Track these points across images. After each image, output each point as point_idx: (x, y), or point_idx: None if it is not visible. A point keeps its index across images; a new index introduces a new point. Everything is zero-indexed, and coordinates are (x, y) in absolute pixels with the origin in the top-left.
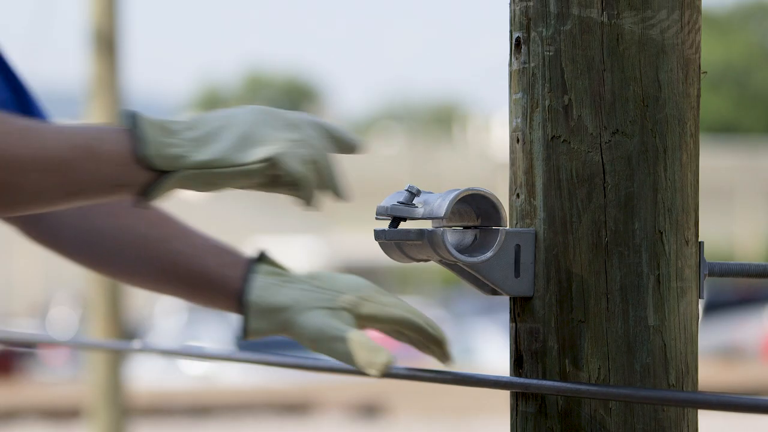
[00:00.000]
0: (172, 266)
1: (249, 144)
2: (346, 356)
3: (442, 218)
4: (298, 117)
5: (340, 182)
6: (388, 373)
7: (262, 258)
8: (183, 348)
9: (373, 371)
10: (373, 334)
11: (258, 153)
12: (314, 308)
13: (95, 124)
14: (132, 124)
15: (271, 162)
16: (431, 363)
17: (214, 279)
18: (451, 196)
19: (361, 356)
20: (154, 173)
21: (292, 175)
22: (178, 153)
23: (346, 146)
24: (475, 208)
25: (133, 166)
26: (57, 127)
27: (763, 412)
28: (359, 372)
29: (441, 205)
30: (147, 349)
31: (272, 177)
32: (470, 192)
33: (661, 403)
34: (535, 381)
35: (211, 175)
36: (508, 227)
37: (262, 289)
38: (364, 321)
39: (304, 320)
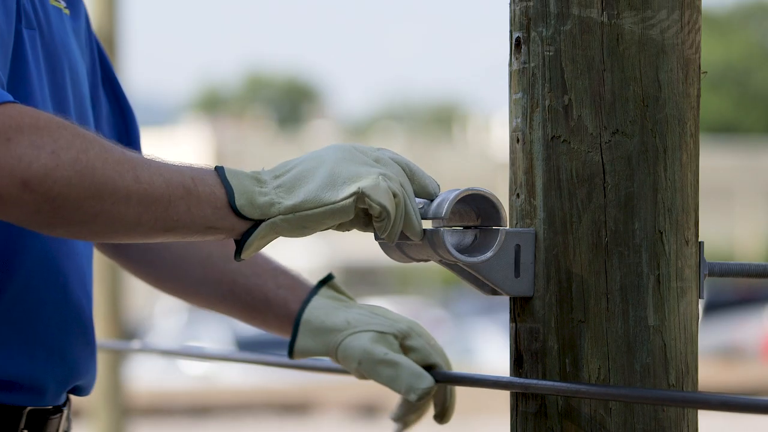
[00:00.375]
0: (230, 285)
1: (337, 182)
2: (390, 380)
3: (442, 218)
4: (380, 152)
5: (419, 219)
6: (441, 380)
7: (327, 281)
8: (183, 348)
9: (413, 396)
10: None
11: (346, 190)
12: (364, 331)
13: (192, 164)
14: (220, 177)
15: (359, 196)
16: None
17: (271, 299)
18: (452, 196)
19: (405, 381)
20: (247, 221)
21: (379, 208)
22: (268, 201)
23: (424, 186)
24: (475, 208)
25: (227, 212)
26: (157, 161)
27: (763, 412)
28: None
29: (441, 205)
30: (147, 350)
31: (361, 212)
32: (470, 192)
33: (661, 403)
34: (534, 381)
35: (304, 218)
36: (508, 227)
37: (318, 309)
38: (406, 351)
39: (351, 341)
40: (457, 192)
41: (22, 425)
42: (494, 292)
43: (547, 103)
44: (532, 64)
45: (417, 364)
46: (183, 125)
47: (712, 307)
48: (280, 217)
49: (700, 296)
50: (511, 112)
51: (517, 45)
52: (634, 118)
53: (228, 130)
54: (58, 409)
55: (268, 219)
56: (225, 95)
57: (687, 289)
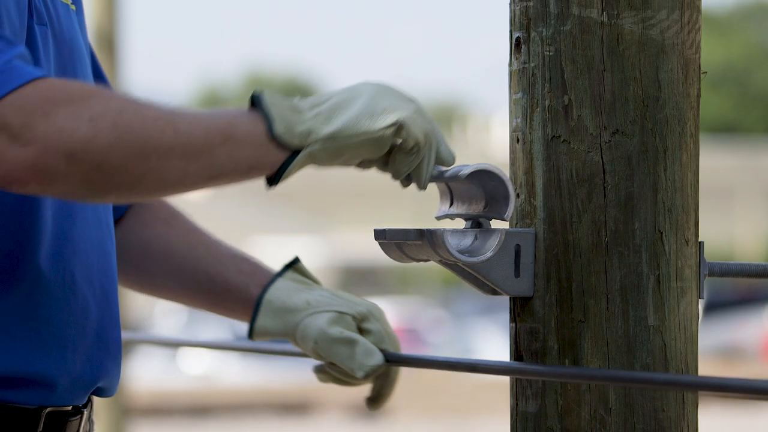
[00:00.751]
0: (192, 273)
1: (375, 112)
2: (344, 358)
3: (458, 178)
4: (411, 96)
5: (450, 152)
6: (391, 360)
7: (293, 265)
8: (182, 339)
9: (361, 373)
10: None
11: (385, 120)
12: (323, 311)
13: (227, 109)
14: (260, 105)
15: (397, 127)
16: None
17: (232, 285)
18: (474, 166)
19: (357, 358)
20: (286, 152)
21: (414, 141)
22: (306, 128)
23: (443, 150)
24: (483, 190)
25: (267, 146)
26: (191, 112)
27: (761, 394)
28: (349, 379)
29: (461, 168)
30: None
31: (394, 147)
32: (489, 169)
33: (661, 385)
34: (484, 361)
35: (342, 146)
36: (507, 227)
37: (280, 290)
38: (362, 333)
39: (310, 321)
40: (481, 164)
41: (40, 427)
42: (494, 292)
43: (547, 103)
44: (532, 64)
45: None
46: None
47: (712, 307)
48: (318, 144)
49: (700, 296)
50: (511, 112)
51: (517, 45)
52: (634, 118)
53: None
54: (78, 411)
55: (306, 147)
56: (225, 95)
57: (687, 289)
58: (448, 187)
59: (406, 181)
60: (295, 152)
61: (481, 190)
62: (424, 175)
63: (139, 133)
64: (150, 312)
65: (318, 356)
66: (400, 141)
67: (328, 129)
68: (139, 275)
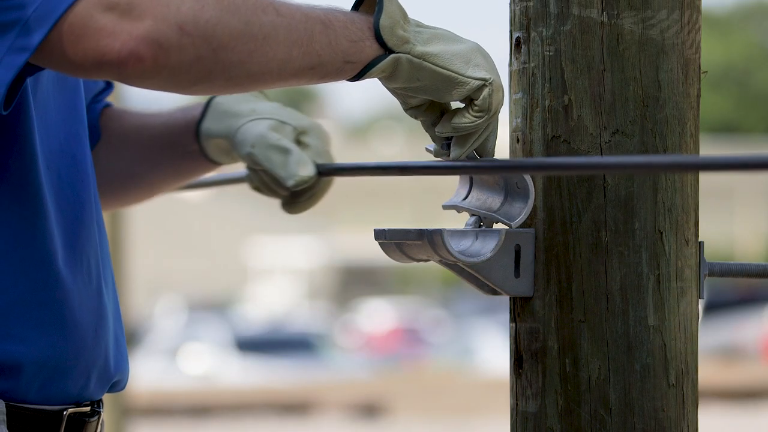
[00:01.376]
0: (149, 141)
1: (470, 62)
2: (277, 165)
3: (488, 155)
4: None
5: (494, 147)
6: (323, 172)
7: None
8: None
9: (291, 182)
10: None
11: (478, 72)
12: (266, 118)
13: (323, 4)
14: None
15: (484, 84)
16: (431, 366)
17: (183, 126)
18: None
19: (290, 167)
20: (379, 51)
21: (488, 107)
22: (405, 36)
23: (489, 144)
24: (505, 191)
25: (364, 43)
26: (292, 3)
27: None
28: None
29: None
30: None
31: (466, 102)
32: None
33: (663, 169)
34: (449, 164)
35: (427, 69)
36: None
37: (229, 97)
38: (301, 146)
39: (250, 126)
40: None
41: (62, 430)
42: (494, 292)
43: (547, 103)
44: (532, 64)
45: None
46: None
47: (712, 307)
48: (408, 56)
49: (700, 296)
50: (511, 112)
51: (517, 45)
52: (634, 118)
53: None
54: (95, 411)
55: (397, 52)
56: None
57: (687, 289)
58: (470, 176)
59: (444, 147)
60: (386, 54)
61: (502, 189)
62: (469, 146)
63: (243, 10)
64: (150, 312)
65: (252, 161)
66: (473, 100)
67: (424, 47)
68: (116, 180)
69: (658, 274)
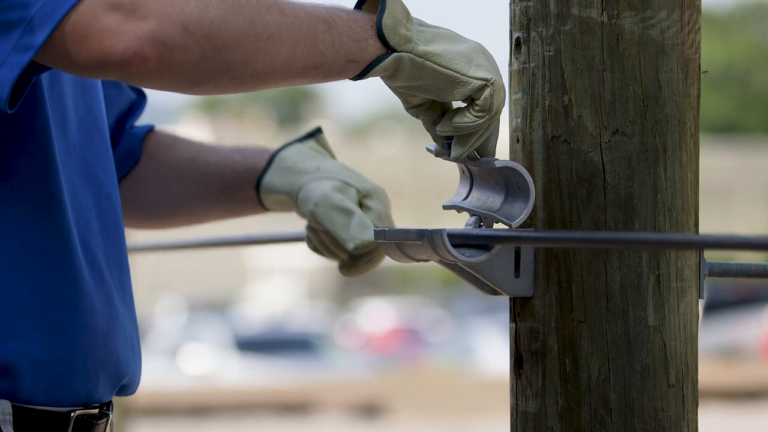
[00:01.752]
0: (201, 177)
1: (472, 62)
2: (340, 226)
3: (491, 161)
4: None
5: (495, 146)
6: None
7: (315, 134)
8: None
9: (352, 245)
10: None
11: (480, 72)
12: (330, 179)
13: (326, 3)
14: None
15: (485, 84)
16: (431, 366)
17: (240, 170)
18: (511, 162)
19: (352, 229)
20: (382, 48)
21: (489, 107)
22: (408, 35)
23: (490, 144)
24: (506, 191)
25: (367, 42)
26: (296, 2)
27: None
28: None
29: (499, 161)
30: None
31: (449, 107)
32: (518, 168)
33: (662, 246)
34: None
35: (429, 69)
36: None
37: (295, 152)
38: (363, 209)
39: (315, 185)
40: (515, 164)
41: (69, 431)
42: (494, 292)
43: (547, 103)
44: (532, 64)
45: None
46: (183, 125)
47: (712, 307)
48: (411, 55)
49: (700, 296)
50: (511, 112)
51: (517, 45)
52: (634, 118)
53: (228, 130)
54: (103, 414)
55: (399, 51)
56: (225, 95)
57: (687, 289)
58: (471, 175)
59: (444, 147)
60: (388, 54)
61: (502, 189)
62: (470, 146)
63: (247, 10)
64: (150, 312)
65: (314, 221)
66: (474, 100)
67: (426, 47)
68: (157, 206)
69: (658, 274)
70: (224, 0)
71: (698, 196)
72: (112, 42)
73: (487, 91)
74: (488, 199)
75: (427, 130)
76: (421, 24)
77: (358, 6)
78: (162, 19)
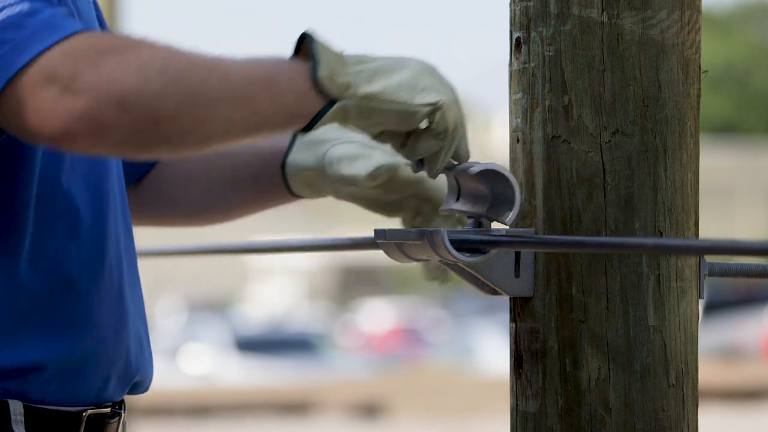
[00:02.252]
0: (231, 168)
1: (417, 87)
2: (358, 166)
3: (468, 173)
4: (451, 82)
5: (467, 149)
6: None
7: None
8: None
9: (363, 175)
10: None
11: (426, 97)
12: (355, 142)
13: (270, 57)
14: (310, 45)
15: (435, 108)
16: (431, 366)
17: (267, 156)
18: (485, 164)
19: (374, 159)
20: (324, 100)
21: (445, 127)
22: (347, 81)
23: (461, 150)
24: (491, 191)
25: (309, 96)
26: (233, 60)
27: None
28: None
29: (473, 163)
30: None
31: (416, 129)
32: (500, 170)
33: (662, 251)
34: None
35: (375, 110)
36: (508, 227)
37: (319, 129)
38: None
39: (340, 146)
40: (492, 164)
41: (81, 431)
42: (494, 292)
43: (547, 103)
44: (532, 64)
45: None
46: None
47: (712, 307)
48: (354, 101)
49: (700, 296)
50: (511, 112)
51: (517, 45)
52: (634, 118)
53: None
54: (116, 413)
55: (342, 100)
56: None
57: (687, 289)
58: (457, 182)
59: (417, 166)
60: (331, 103)
61: (488, 190)
62: (440, 163)
63: (187, 81)
64: (150, 312)
65: (340, 175)
66: (430, 123)
67: (367, 88)
68: (189, 203)
69: (658, 274)
70: (164, 70)
71: (698, 196)
72: (47, 119)
73: (438, 114)
74: (476, 203)
75: (397, 152)
76: (359, 61)
77: (295, 52)
78: (98, 95)
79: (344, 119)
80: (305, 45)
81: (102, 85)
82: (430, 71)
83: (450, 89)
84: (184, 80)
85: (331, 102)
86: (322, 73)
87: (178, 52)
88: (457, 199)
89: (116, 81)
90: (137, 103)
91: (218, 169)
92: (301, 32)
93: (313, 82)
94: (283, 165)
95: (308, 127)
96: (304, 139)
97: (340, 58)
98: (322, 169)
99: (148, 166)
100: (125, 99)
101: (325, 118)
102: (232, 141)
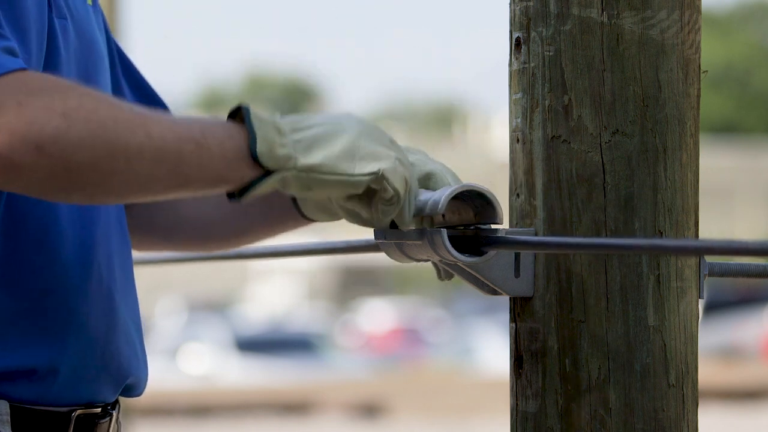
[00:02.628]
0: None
1: (356, 156)
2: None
3: (438, 213)
4: (392, 138)
5: (411, 211)
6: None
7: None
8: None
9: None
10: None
11: (366, 167)
12: None
13: (205, 117)
14: (246, 120)
15: (378, 177)
16: (431, 366)
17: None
18: (447, 192)
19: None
20: (259, 171)
21: (393, 192)
22: (286, 154)
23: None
24: (472, 205)
25: (241, 163)
26: (168, 117)
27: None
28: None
29: (437, 201)
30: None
31: (368, 192)
32: (466, 188)
33: (661, 251)
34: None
35: (315, 181)
36: (507, 227)
37: None
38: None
39: None
40: (453, 188)
41: (70, 430)
42: (494, 292)
43: (547, 103)
44: (532, 64)
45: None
46: None
47: (712, 307)
48: (293, 173)
49: (700, 296)
50: (511, 112)
51: (517, 45)
52: (634, 118)
53: None
54: (107, 413)
55: (281, 172)
56: (225, 95)
57: (687, 289)
58: (441, 217)
59: (392, 225)
60: (266, 174)
61: (467, 205)
62: (407, 220)
63: (111, 132)
64: (150, 312)
65: (345, 212)
66: (378, 189)
67: (306, 161)
68: (201, 226)
69: (658, 274)
70: (89, 119)
71: (698, 196)
72: None
73: (382, 183)
74: (462, 215)
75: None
76: (295, 128)
77: (232, 116)
78: (16, 137)
79: (285, 188)
80: (240, 114)
81: (21, 127)
82: (369, 133)
83: (391, 150)
84: (108, 131)
85: (269, 173)
86: (261, 148)
87: (109, 103)
88: (443, 218)
89: (37, 124)
90: (55, 149)
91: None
92: (235, 106)
93: (250, 156)
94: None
95: (244, 193)
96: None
97: (277, 128)
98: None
99: None
100: (43, 144)
101: (261, 186)
102: (153, 197)
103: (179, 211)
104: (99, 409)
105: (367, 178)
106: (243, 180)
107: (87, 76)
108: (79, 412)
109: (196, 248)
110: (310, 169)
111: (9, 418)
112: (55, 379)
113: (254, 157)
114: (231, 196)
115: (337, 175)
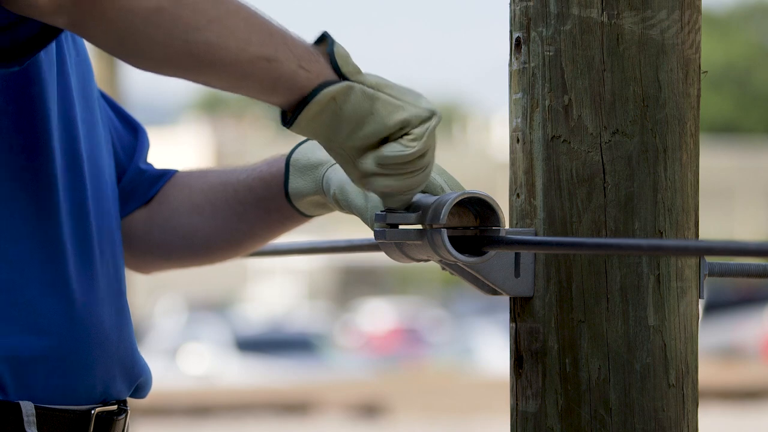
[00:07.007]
0: (234, 195)
1: (420, 98)
2: (360, 210)
3: (440, 223)
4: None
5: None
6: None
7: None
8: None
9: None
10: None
11: (425, 103)
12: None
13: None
14: (327, 39)
15: (432, 114)
16: (431, 366)
17: (269, 180)
18: (448, 200)
19: (369, 212)
20: (331, 74)
21: (423, 140)
22: (358, 68)
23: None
24: (473, 209)
25: (320, 57)
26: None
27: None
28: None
29: (438, 210)
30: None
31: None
32: (467, 195)
33: (661, 253)
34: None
35: (381, 99)
36: (507, 227)
37: (305, 148)
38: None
39: (330, 173)
40: (454, 196)
41: (91, 428)
42: (494, 292)
43: (547, 103)
44: (532, 64)
45: None
46: (183, 125)
47: (712, 307)
48: (362, 87)
49: (700, 296)
50: (511, 112)
51: (517, 45)
52: (634, 118)
53: (228, 130)
54: (122, 410)
55: (351, 79)
56: (225, 95)
57: (687, 289)
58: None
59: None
60: (337, 80)
61: (468, 209)
62: (398, 200)
63: None
64: (150, 312)
65: (339, 206)
66: (414, 128)
67: (375, 80)
68: (196, 235)
69: (658, 274)
70: None
71: (698, 196)
72: None
73: (434, 121)
74: (463, 218)
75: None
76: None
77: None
78: None
79: (345, 101)
80: (323, 42)
81: None
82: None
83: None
84: None
85: (340, 79)
86: (339, 50)
87: None
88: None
89: None
90: None
91: (221, 199)
92: (321, 33)
93: (327, 56)
94: (287, 194)
95: (309, 98)
96: (296, 165)
97: (351, 57)
98: (322, 193)
99: (154, 188)
100: None
101: (328, 91)
102: (241, 65)
103: (174, 226)
104: (115, 406)
105: (426, 112)
106: (317, 77)
107: (84, 82)
108: (98, 409)
109: (198, 262)
110: (379, 87)
111: (35, 419)
112: (67, 369)
113: (331, 58)
114: (284, 118)
115: (403, 101)
